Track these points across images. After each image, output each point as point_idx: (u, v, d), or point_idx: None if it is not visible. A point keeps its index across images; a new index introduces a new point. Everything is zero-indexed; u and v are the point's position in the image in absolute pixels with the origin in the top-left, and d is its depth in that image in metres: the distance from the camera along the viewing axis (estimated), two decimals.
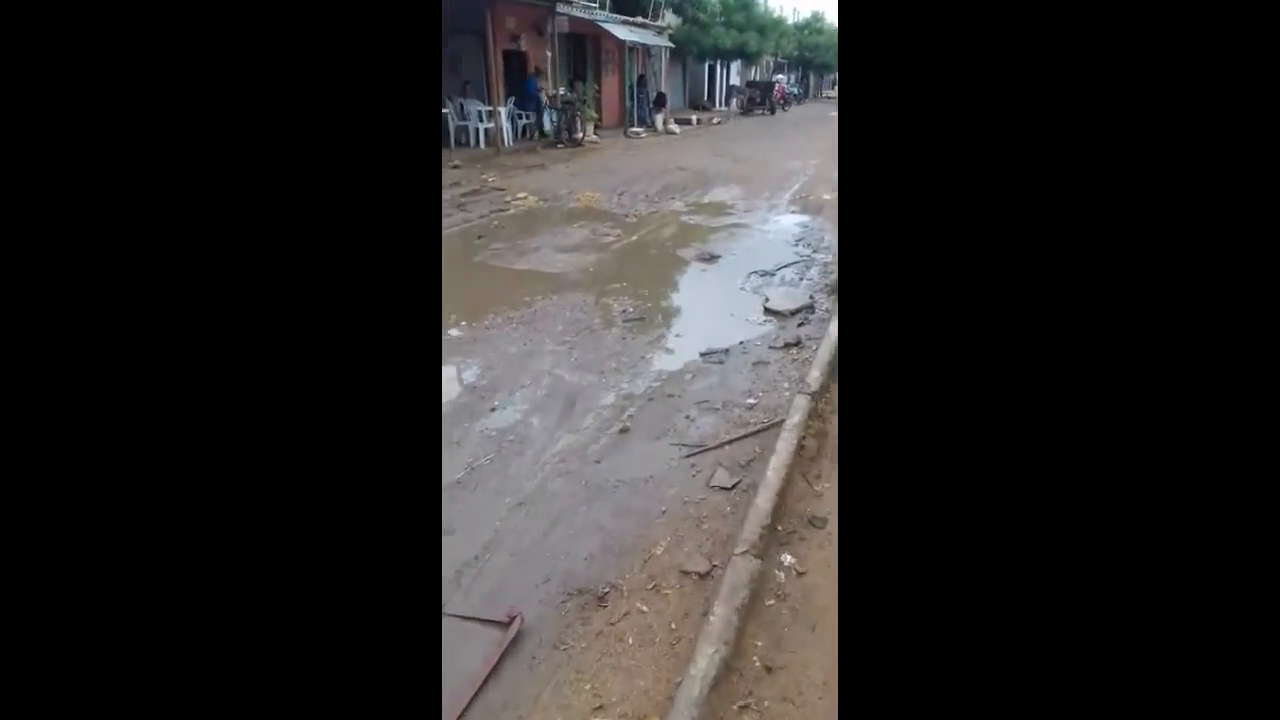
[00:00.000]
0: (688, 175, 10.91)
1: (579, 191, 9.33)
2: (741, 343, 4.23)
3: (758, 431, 3.07)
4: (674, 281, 5.77)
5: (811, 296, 5.15)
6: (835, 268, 5.80)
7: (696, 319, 4.85)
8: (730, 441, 2.99)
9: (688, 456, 2.90)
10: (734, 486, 2.64)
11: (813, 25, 37.21)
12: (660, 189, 9.71)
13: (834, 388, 3.37)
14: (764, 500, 2.33)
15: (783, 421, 2.95)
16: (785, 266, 6.06)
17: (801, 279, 5.70)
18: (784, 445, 2.69)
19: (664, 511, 2.51)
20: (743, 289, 5.44)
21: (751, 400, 3.43)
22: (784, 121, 23.02)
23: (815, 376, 3.30)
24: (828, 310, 4.66)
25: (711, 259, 6.33)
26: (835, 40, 38.28)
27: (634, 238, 7.04)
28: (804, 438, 2.81)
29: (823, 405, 3.17)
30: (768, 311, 4.81)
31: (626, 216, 8.05)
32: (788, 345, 4.14)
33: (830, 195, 9.11)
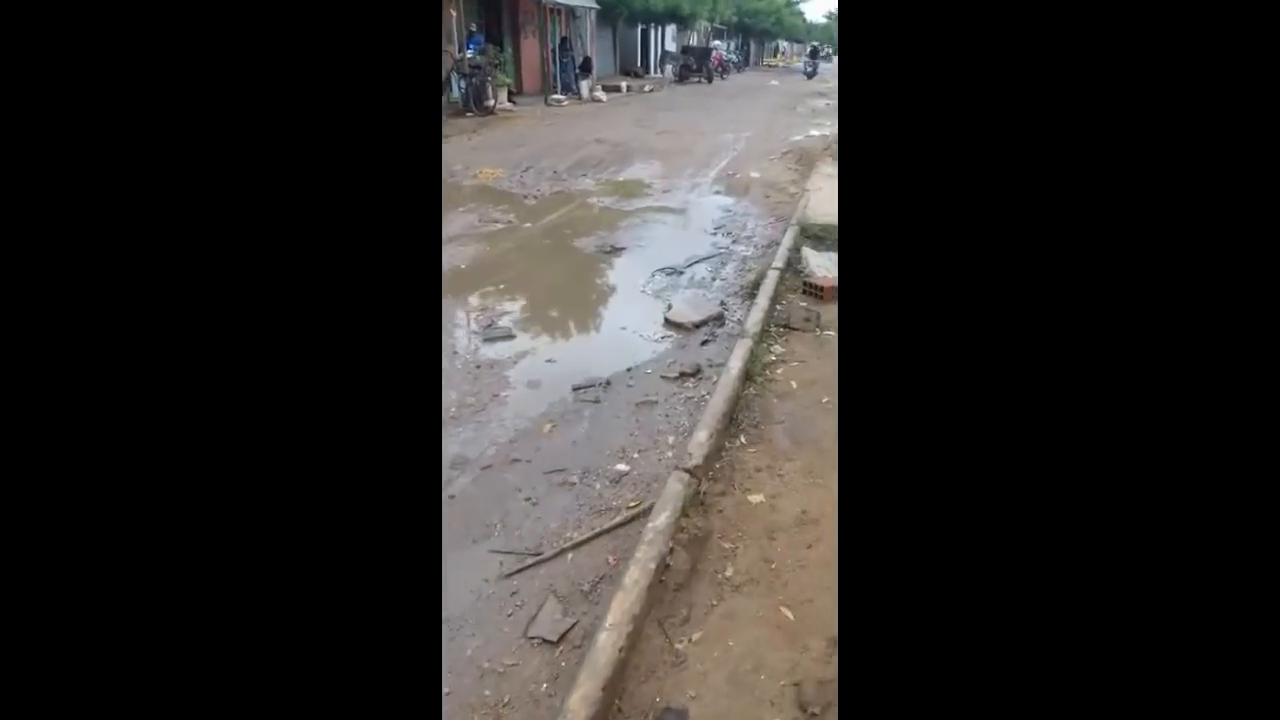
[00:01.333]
0: (606, 149, 9.89)
1: (478, 167, 8.23)
2: (629, 369, 3.36)
3: (617, 526, 2.21)
4: (563, 282, 4.83)
5: (722, 302, 4.31)
6: (755, 264, 4.98)
7: (579, 335, 3.95)
8: (576, 546, 2.12)
9: (510, 574, 2.02)
10: (561, 639, 1.77)
11: None
12: (572, 164, 8.69)
13: (731, 454, 2.54)
14: (587, 690, 1.47)
15: (651, 509, 2.10)
16: (698, 261, 5.20)
17: (715, 278, 4.86)
18: (637, 570, 1.82)
19: (447, 695, 1.63)
20: (644, 291, 4.56)
21: (623, 466, 2.57)
22: (721, 91, 22.07)
23: (700, 441, 2.43)
24: (739, 322, 3.83)
25: (614, 252, 5.41)
26: (776, 7, 37.39)
27: (528, 225, 6.05)
28: (672, 549, 1.95)
29: (708, 487, 2.32)
30: (668, 323, 3.95)
31: (526, 198, 7.04)
32: (684, 375, 3.29)
33: (758, 174, 8.28)
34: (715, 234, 6.01)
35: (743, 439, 2.65)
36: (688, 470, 2.26)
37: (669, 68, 26.33)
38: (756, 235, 5.88)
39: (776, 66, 34.30)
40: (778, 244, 5.18)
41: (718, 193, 7.54)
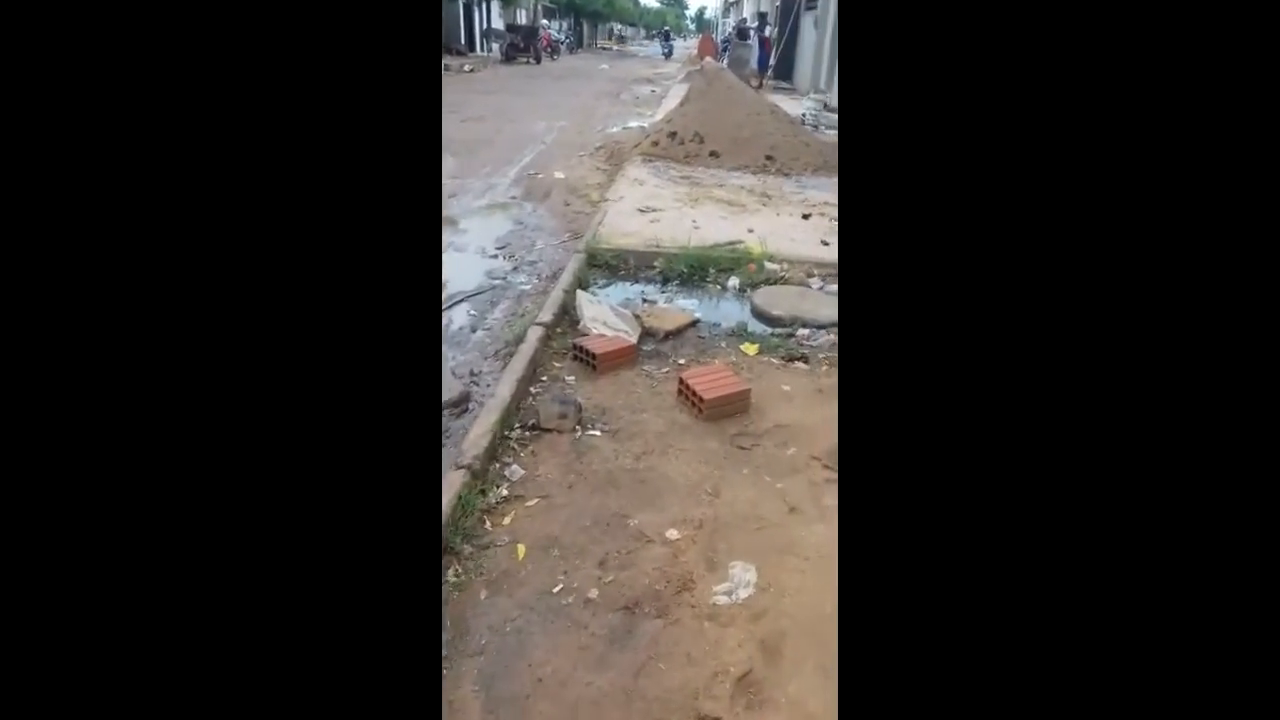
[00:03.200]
0: None
1: None
2: None
3: None
4: None
5: (474, 373, 3.17)
6: (536, 303, 3.87)
7: None
8: None
9: None
10: None
11: None
12: None
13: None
14: None
15: None
16: (461, 300, 4.02)
17: (476, 326, 3.70)
18: None
19: None
20: None
21: None
22: (549, 72, 20.74)
23: None
24: (491, 393, 2.70)
25: None
26: None
27: None
28: None
29: None
30: None
31: None
32: None
33: (563, 174, 7.18)
34: (497, 255, 4.85)
35: None
36: None
37: (495, 46, 24.60)
38: (543, 259, 4.77)
39: (610, 49, 33.38)
40: (564, 274, 4.12)
41: (513, 198, 6.35)
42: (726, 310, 3.95)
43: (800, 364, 3.23)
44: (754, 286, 4.15)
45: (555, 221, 5.65)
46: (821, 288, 4.16)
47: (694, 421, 2.70)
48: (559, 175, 7.14)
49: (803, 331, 3.54)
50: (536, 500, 2.23)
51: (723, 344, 3.42)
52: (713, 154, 6.94)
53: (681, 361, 3.20)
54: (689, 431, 2.65)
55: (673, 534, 2.11)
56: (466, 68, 18.88)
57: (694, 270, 4.32)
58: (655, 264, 4.39)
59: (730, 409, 2.74)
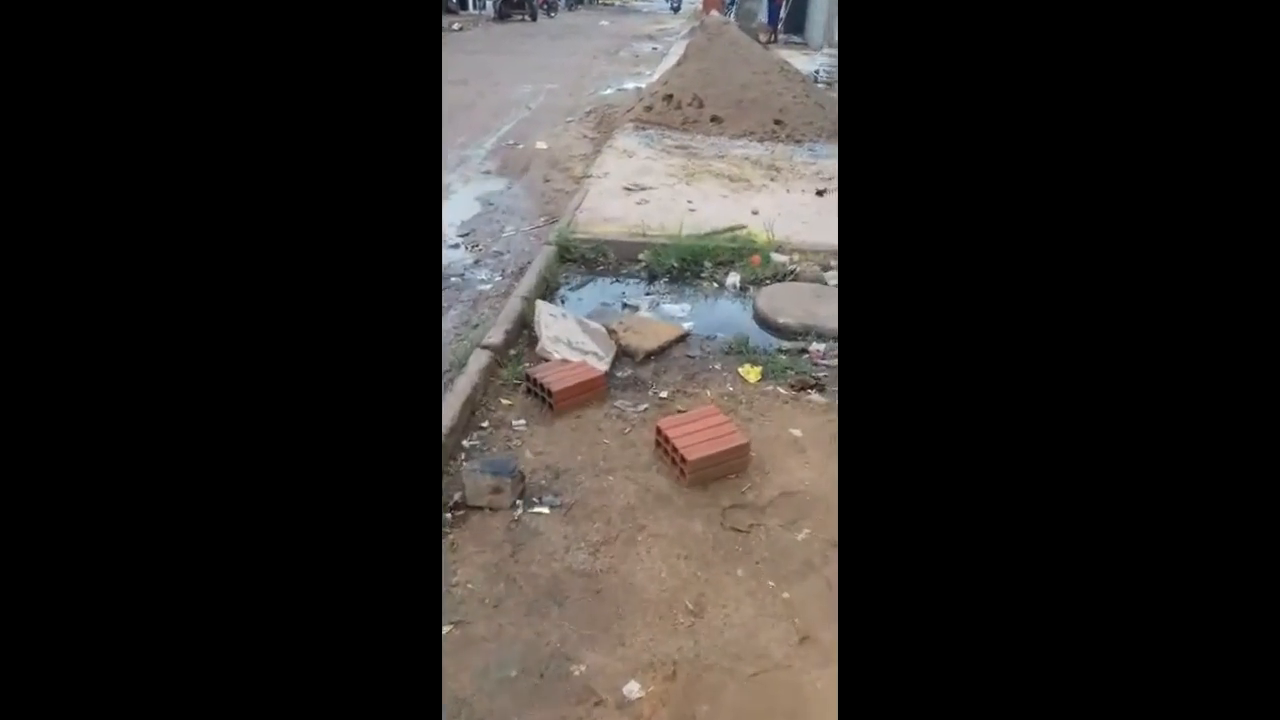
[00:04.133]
0: None
1: None
2: None
3: None
4: None
5: None
6: (495, 308, 3.21)
7: None
8: None
9: None
10: None
11: None
12: None
13: None
14: None
15: None
16: None
17: None
18: None
19: None
20: None
21: None
22: (545, 30, 19.61)
23: None
24: None
25: None
26: None
27: None
28: None
29: None
30: None
31: None
32: None
33: (545, 143, 6.42)
34: (458, 245, 4.17)
35: None
36: None
37: (489, 3, 23.46)
38: (511, 250, 4.08)
39: (613, 4, 31.98)
40: (528, 273, 3.44)
41: (486, 172, 5.64)
42: (724, 315, 3.27)
43: (814, 394, 2.56)
44: (758, 283, 3.46)
45: (530, 202, 4.93)
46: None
47: (674, 488, 2.05)
48: (541, 146, 6.39)
49: (817, 347, 2.86)
50: (448, 629, 1.60)
51: (717, 365, 2.75)
52: (714, 119, 6.15)
53: (664, 395, 2.54)
54: (667, 504, 2.00)
55: (633, 689, 1.47)
56: (455, 26, 17.83)
57: (686, 264, 3.63)
58: (641, 256, 3.70)
59: (722, 469, 2.08)
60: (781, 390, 2.58)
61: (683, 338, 2.92)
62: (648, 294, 3.46)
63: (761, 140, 5.92)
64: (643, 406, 2.47)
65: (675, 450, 2.08)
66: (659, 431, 2.17)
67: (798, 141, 6.03)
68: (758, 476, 2.12)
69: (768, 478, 2.11)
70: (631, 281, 3.61)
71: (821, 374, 2.68)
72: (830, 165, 5.42)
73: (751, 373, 2.67)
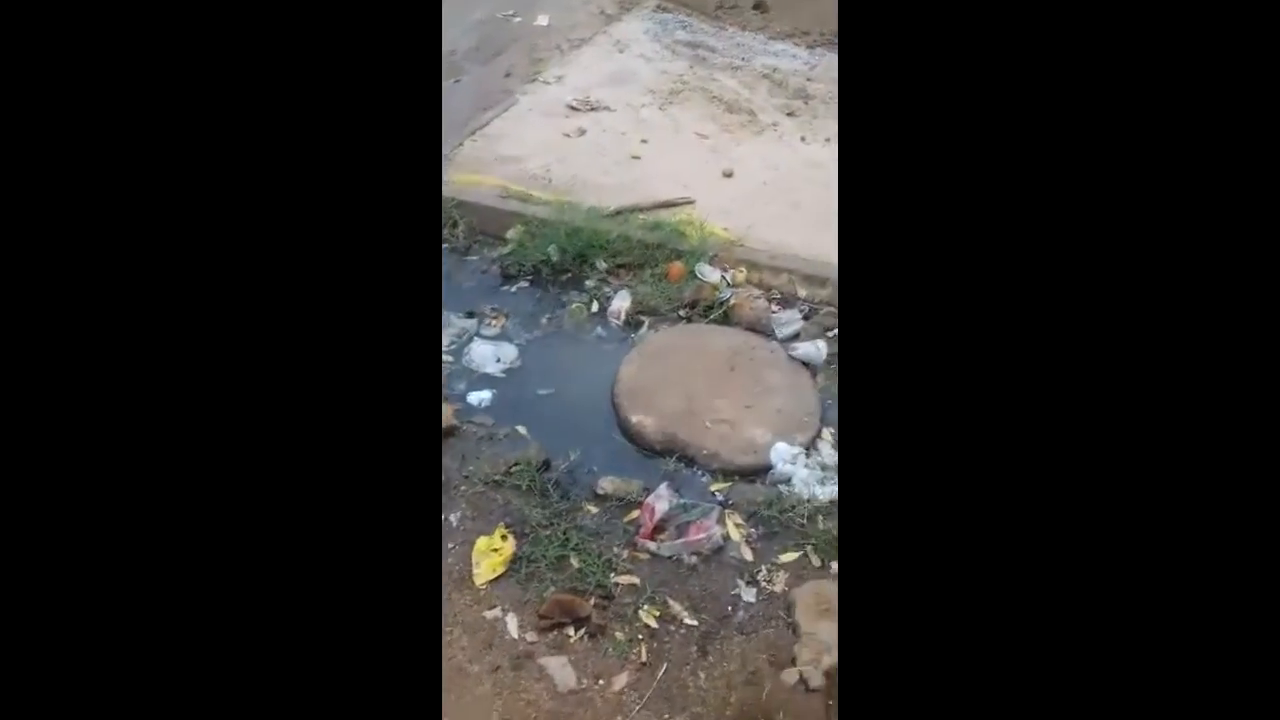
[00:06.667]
0: None
1: None
2: None
3: None
4: None
5: None
6: None
7: None
8: None
9: None
10: None
11: None
12: None
13: None
14: None
15: None
16: None
17: None
18: None
19: None
20: None
21: None
22: None
23: None
24: None
25: None
26: None
27: None
28: None
29: None
30: None
31: None
32: None
33: (547, 18, 4.84)
34: None
35: None
36: None
37: None
38: None
39: None
40: None
41: (450, 53, 4.27)
42: (573, 377, 1.97)
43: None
44: (660, 318, 2.10)
45: (467, 109, 3.59)
46: (796, 336, 2.05)
47: None
48: (541, 22, 4.84)
49: (662, 503, 1.53)
50: None
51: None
52: (757, 6, 4.39)
53: None
54: None
55: None
56: None
57: (568, 260, 2.29)
58: (509, 235, 2.38)
59: None
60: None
61: None
62: (491, 310, 2.17)
63: (812, 47, 4.11)
64: None
65: None
66: None
67: None
68: None
69: None
70: (478, 276, 2.33)
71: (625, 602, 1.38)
72: None
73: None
